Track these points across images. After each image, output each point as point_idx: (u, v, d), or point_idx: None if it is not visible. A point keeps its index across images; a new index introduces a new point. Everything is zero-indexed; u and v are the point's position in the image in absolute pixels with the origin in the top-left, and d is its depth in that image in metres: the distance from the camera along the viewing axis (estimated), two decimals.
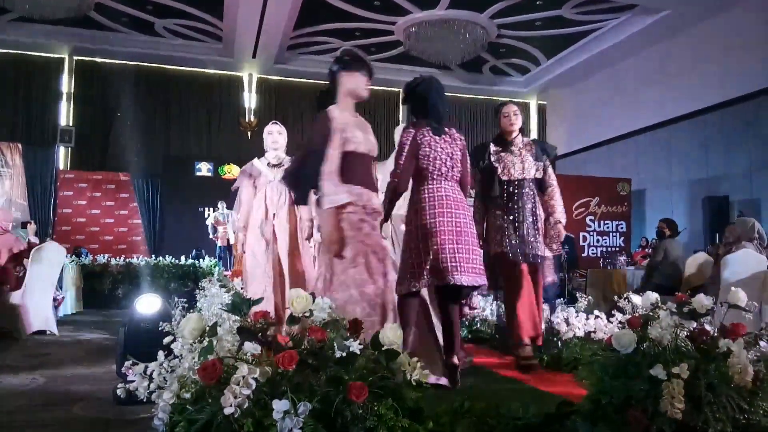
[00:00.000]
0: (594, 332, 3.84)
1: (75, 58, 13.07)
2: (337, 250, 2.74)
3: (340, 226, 2.75)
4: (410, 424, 1.64)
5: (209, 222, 11.77)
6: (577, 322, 3.93)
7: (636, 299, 2.44)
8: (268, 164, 4.19)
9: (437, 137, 3.14)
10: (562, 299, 4.60)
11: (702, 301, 2.11)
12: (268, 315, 1.83)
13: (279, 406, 1.54)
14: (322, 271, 2.80)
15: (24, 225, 10.24)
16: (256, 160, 4.29)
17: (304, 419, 1.53)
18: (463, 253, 3.02)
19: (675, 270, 6.24)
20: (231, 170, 12.73)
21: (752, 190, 9.62)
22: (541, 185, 3.81)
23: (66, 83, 13.15)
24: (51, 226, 12.37)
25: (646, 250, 9.78)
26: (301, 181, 2.99)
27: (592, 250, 10.77)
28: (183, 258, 9.37)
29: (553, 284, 4.00)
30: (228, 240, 10.98)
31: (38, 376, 3.54)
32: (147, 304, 3.05)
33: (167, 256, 9.53)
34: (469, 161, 3.35)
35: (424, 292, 3.20)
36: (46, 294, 5.53)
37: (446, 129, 3.20)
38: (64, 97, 13.15)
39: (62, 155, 13.19)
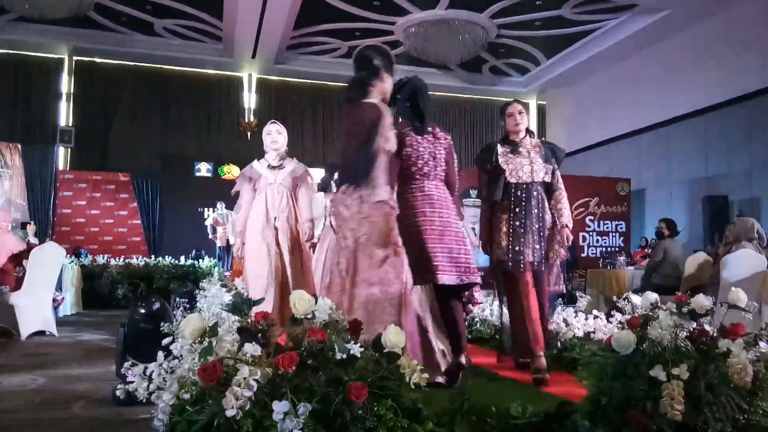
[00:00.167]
0: (593, 332, 3.84)
1: (74, 58, 13.07)
2: (386, 244, 2.69)
3: (392, 220, 2.74)
4: (409, 425, 1.64)
5: (208, 222, 11.78)
6: (576, 322, 3.93)
7: (635, 299, 2.44)
8: (269, 166, 4.08)
9: (419, 137, 3.15)
10: (560, 299, 4.58)
11: (701, 301, 2.11)
12: (269, 316, 1.84)
13: (279, 407, 1.54)
14: (342, 267, 2.70)
15: (23, 225, 10.25)
16: (255, 163, 4.17)
17: (304, 420, 1.53)
18: (446, 252, 3.02)
19: (674, 270, 6.24)
20: (230, 170, 12.73)
21: (752, 189, 9.62)
22: (548, 189, 3.67)
23: (65, 83, 13.15)
24: (50, 226, 12.37)
25: (646, 250, 9.78)
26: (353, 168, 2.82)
27: (592, 250, 10.76)
28: (182, 258, 9.38)
29: (560, 293, 3.92)
30: (227, 240, 10.98)
31: (38, 377, 3.54)
32: (146, 304, 3.05)
33: (167, 256, 9.54)
34: (455, 160, 3.36)
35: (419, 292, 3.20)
36: (45, 294, 5.53)
37: (430, 128, 3.21)
38: (64, 97, 13.15)
39: (62, 155, 13.19)
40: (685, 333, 2.00)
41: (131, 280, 8.55)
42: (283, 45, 12.26)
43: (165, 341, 1.88)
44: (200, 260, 9.54)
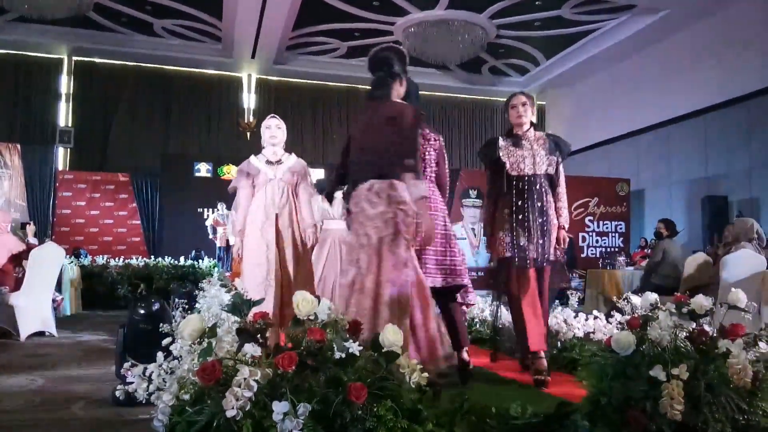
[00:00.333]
0: (593, 333, 3.84)
1: (74, 58, 13.07)
2: (409, 245, 2.65)
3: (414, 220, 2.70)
4: (409, 425, 1.64)
5: (209, 223, 11.77)
6: (576, 322, 3.94)
7: (635, 300, 2.44)
8: (267, 161, 3.91)
9: None
10: (557, 300, 4.58)
11: (701, 301, 2.11)
12: (268, 316, 1.83)
13: (279, 407, 1.54)
14: (363, 265, 2.62)
15: (23, 226, 10.24)
16: (253, 158, 3.99)
17: (304, 420, 1.53)
18: (431, 254, 3.01)
19: (674, 270, 6.23)
20: (230, 171, 12.72)
21: (752, 189, 9.62)
22: (552, 183, 3.55)
23: (65, 83, 13.14)
24: (50, 227, 12.36)
25: (645, 250, 9.78)
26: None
27: (591, 250, 10.76)
28: (182, 259, 9.38)
29: (566, 289, 3.86)
30: (227, 241, 10.98)
31: (37, 377, 3.54)
32: (146, 305, 3.05)
33: (166, 256, 9.54)
34: (446, 161, 3.35)
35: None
36: (45, 295, 5.52)
37: (420, 130, 3.20)
38: (63, 97, 13.14)
39: (61, 156, 13.18)
40: (684, 333, 2.00)
41: (131, 281, 8.56)
42: (283, 45, 12.26)
43: (164, 342, 1.88)
44: (200, 261, 9.54)
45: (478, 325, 4.90)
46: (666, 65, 11.18)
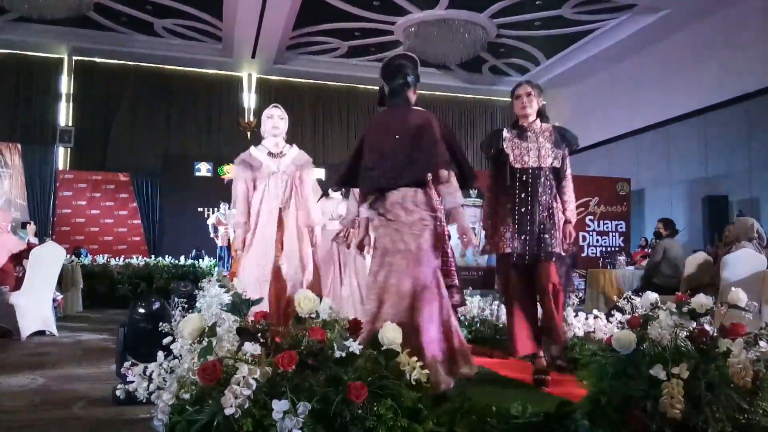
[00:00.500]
0: (593, 332, 3.84)
1: (74, 58, 13.07)
2: (439, 252, 2.82)
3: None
4: (409, 424, 1.64)
5: (210, 222, 11.78)
6: (576, 321, 3.94)
7: (635, 299, 2.44)
8: (268, 153, 3.72)
9: None
10: None
11: (701, 301, 2.11)
12: (268, 315, 1.83)
13: (279, 406, 1.54)
14: (410, 272, 2.70)
15: (23, 225, 10.25)
16: (253, 149, 3.78)
17: (304, 419, 1.53)
18: None
19: (674, 270, 6.23)
20: (230, 170, 12.73)
21: (752, 189, 9.62)
22: (558, 177, 3.41)
23: (65, 83, 13.14)
24: (50, 226, 12.37)
25: (646, 249, 9.78)
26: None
27: (592, 250, 10.76)
28: (183, 258, 9.38)
29: (573, 292, 3.82)
30: (228, 240, 10.98)
31: (38, 377, 3.54)
32: (146, 304, 3.05)
33: (167, 256, 9.54)
34: None
35: None
36: (45, 294, 5.53)
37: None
38: (64, 97, 13.14)
39: (61, 155, 13.18)
40: (685, 333, 2.00)
41: (131, 280, 8.56)
42: (283, 45, 12.26)
43: (165, 341, 1.88)
44: (200, 260, 9.55)
45: (478, 325, 4.89)
46: (666, 65, 11.18)
